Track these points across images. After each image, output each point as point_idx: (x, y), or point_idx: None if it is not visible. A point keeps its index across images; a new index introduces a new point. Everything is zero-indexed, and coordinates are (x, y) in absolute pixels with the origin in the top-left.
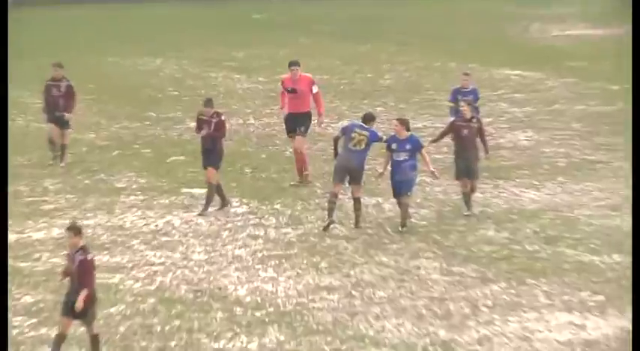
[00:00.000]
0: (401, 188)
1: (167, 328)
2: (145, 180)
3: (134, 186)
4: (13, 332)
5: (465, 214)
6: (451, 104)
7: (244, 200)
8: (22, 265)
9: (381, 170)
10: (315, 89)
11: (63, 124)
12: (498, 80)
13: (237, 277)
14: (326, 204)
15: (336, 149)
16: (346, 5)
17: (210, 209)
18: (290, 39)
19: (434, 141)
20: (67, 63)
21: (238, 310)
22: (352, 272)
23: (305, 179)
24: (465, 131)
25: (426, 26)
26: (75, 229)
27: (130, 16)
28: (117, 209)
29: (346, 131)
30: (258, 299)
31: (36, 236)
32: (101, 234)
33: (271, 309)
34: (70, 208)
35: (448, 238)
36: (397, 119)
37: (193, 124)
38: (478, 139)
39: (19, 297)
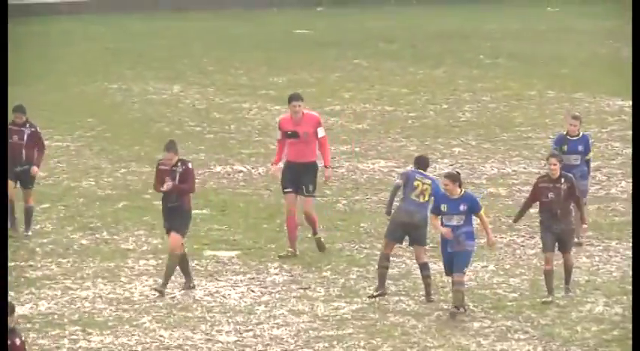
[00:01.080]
0: (453, 263)
1: None
2: (159, 240)
3: (145, 247)
4: None
5: (549, 299)
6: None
7: (284, 266)
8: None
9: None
10: (321, 133)
11: (26, 181)
12: (609, 113)
13: None
14: (389, 271)
15: (391, 201)
16: (417, 18)
17: (238, 277)
18: (343, 60)
19: (516, 219)
20: (59, 89)
21: None
22: None
23: (321, 245)
24: (551, 194)
25: (518, 44)
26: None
27: (139, 30)
28: (122, 277)
29: (408, 178)
30: None
31: (20, 311)
32: (103, 308)
33: None
34: (62, 276)
35: (545, 314)
36: (446, 176)
37: (220, 169)
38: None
39: None
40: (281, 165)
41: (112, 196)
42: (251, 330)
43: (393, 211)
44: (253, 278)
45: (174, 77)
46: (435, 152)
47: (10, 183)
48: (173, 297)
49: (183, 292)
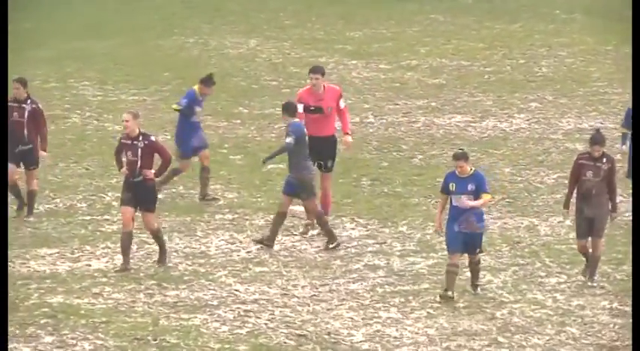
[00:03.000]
0: (464, 244)
1: None
2: (235, 194)
3: (221, 201)
4: None
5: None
6: (624, 131)
7: (361, 221)
8: (78, 302)
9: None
10: (342, 104)
11: (29, 162)
12: None
13: (352, 318)
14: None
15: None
16: None
17: (312, 232)
18: (420, 15)
19: (566, 204)
20: (135, 43)
21: None
22: (498, 313)
23: (330, 236)
24: (589, 173)
25: None
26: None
27: None
28: (198, 231)
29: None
30: (378, 347)
31: (96, 265)
32: (178, 263)
33: None
34: (138, 230)
35: (621, 269)
36: (459, 157)
37: None
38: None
39: (73, 343)
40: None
41: None
42: (327, 285)
43: None
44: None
45: (250, 31)
46: (511, 107)
47: (12, 166)
48: (249, 251)
49: (259, 246)
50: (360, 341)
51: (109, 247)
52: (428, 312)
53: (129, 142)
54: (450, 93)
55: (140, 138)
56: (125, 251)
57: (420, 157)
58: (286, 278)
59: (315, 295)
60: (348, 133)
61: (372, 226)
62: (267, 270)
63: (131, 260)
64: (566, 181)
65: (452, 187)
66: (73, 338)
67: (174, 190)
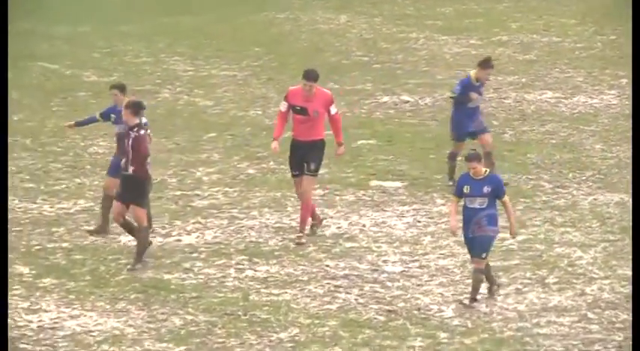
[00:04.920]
0: (474, 248)
1: None
2: (325, 170)
3: None
4: None
5: None
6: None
7: (451, 197)
8: (168, 277)
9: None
10: (333, 110)
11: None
12: None
13: (442, 294)
14: (555, 201)
15: None
16: None
17: (404, 207)
18: None
19: None
20: (226, 19)
21: (443, 336)
22: (588, 289)
23: (312, 232)
24: None
25: None
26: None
27: None
28: (289, 207)
29: None
30: (469, 323)
31: (186, 240)
32: (269, 238)
33: (485, 335)
34: (229, 205)
35: None
36: (472, 159)
37: (387, 99)
38: None
39: (163, 317)
40: (277, 144)
41: None
42: (417, 260)
43: None
44: (419, 209)
45: (341, 7)
46: (602, 83)
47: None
48: (339, 227)
49: (349, 221)
50: (450, 317)
51: (200, 222)
52: (517, 288)
53: (126, 130)
54: (540, 69)
55: (135, 129)
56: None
57: (510, 132)
58: (376, 254)
59: (404, 270)
60: (341, 143)
61: (462, 203)
62: (357, 245)
63: (221, 235)
64: None
65: (466, 189)
66: (163, 313)
67: (264, 166)
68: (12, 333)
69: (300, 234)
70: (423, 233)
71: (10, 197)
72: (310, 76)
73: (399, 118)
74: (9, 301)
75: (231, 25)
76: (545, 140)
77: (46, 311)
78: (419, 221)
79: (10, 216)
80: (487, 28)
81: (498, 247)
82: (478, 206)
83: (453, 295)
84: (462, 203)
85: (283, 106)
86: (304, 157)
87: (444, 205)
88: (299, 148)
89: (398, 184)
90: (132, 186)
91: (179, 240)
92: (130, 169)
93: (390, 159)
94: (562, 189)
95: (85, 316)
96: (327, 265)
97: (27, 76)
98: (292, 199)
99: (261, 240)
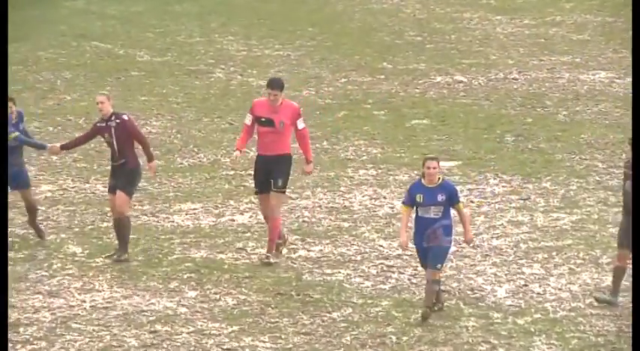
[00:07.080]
0: (428, 258)
1: (404, 338)
2: (379, 150)
3: (364, 157)
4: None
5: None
6: None
7: (504, 177)
8: (221, 257)
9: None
10: (300, 125)
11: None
12: None
13: (495, 274)
14: (608, 182)
15: None
16: None
17: (458, 187)
18: None
19: None
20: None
21: (496, 316)
22: None
23: (278, 252)
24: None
25: None
26: None
27: None
28: (342, 187)
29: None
30: (522, 303)
31: (239, 220)
32: (322, 218)
33: (538, 315)
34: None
35: None
36: (433, 158)
37: (440, 79)
38: None
39: (216, 297)
40: (240, 154)
41: (332, 106)
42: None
43: None
44: (473, 189)
45: None
46: None
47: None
48: (392, 207)
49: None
50: (504, 297)
51: (253, 202)
52: (571, 268)
53: (104, 124)
54: (594, 49)
55: (112, 117)
56: (119, 237)
57: (564, 113)
58: None
59: (458, 250)
60: (310, 161)
61: (515, 182)
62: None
63: None
64: None
65: (419, 198)
66: (216, 293)
67: (317, 146)
68: (64, 313)
69: (269, 254)
70: (477, 213)
71: (63, 177)
72: (275, 84)
73: (452, 98)
74: (62, 281)
75: (285, 4)
76: (598, 120)
77: (99, 291)
78: (472, 201)
79: (63, 195)
80: (541, 7)
81: (552, 227)
82: (433, 216)
83: (506, 275)
84: (413, 214)
85: (248, 119)
86: (270, 173)
87: (497, 185)
88: (264, 163)
89: (451, 163)
90: (122, 175)
91: (232, 219)
92: (123, 160)
93: (444, 139)
94: (615, 169)
95: (137, 295)
96: (380, 245)
97: (80, 56)
98: (345, 178)
99: (314, 220)
